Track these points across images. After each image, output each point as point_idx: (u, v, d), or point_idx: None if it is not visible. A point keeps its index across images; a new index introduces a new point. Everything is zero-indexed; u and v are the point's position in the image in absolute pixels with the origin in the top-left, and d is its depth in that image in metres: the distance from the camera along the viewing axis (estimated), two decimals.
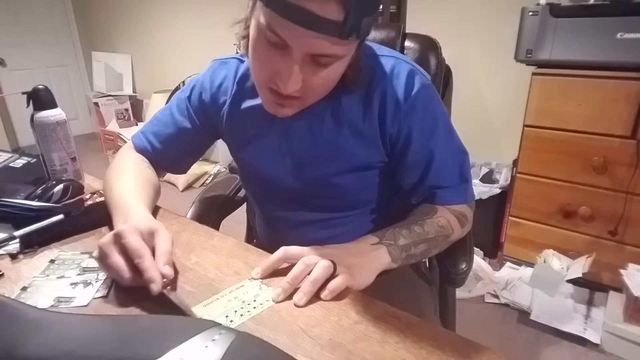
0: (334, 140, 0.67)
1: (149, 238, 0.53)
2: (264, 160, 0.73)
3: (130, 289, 0.51)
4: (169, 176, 2.87)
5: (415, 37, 0.93)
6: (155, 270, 0.48)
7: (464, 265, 0.74)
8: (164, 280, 0.49)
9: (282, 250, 0.55)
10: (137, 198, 0.64)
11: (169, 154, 0.78)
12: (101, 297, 0.51)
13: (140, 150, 0.79)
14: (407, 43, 0.92)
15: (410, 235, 0.62)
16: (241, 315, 0.47)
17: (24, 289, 0.53)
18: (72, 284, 0.54)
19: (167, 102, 0.83)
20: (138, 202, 0.63)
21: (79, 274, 0.56)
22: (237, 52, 0.75)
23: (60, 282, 0.55)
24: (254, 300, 0.50)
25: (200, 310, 0.48)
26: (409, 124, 0.65)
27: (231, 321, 0.46)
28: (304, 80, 0.56)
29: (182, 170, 0.84)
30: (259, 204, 0.85)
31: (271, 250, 0.60)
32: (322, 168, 0.69)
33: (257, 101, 0.68)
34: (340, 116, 0.66)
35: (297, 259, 0.53)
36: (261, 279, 0.54)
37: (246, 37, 0.61)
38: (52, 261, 0.59)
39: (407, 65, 0.65)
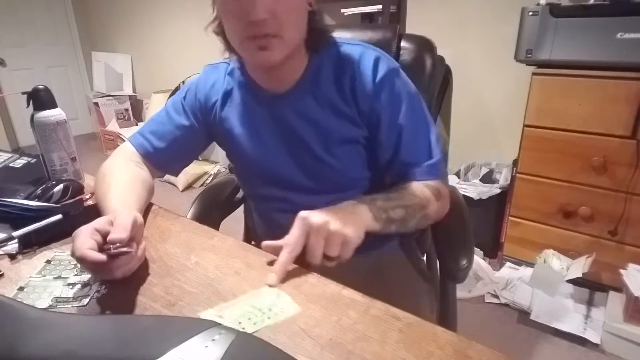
0: (319, 118, 0.72)
1: (109, 227, 0.53)
2: (255, 144, 0.76)
3: (129, 289, 0.51)
4: (169, 176, 2.86)
5: (410, 37, 0.93)
6: (99, 268, 0.50)
7: (464, 262, 0.74)
8: (117, 245, 0.50)
9: (283, 245, 0.56)
10: (119, 199, 0.65)
11: (166, 151, 0.80)
12: (100, 297, 0.51)
13: (139, 150, 0.80)
14: (402, 44, 0.92)
15: (387, 199, 0.65)
16: (254, 323, 0.46)
17: (20, 289, 0.53)
18: (69, 284, 0.54)
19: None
20: (119, 202, 0.63)
21: (76, 275, 0.56)
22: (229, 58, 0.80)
23: (57, 282, 0.55)
24: (270, 310, 0.48)
25: (211, 315, 0.47)
26: (378, 105, 0.70)
27: (243, 328, 0.45)
28: (273, 10, 0.60)
29: (177, 169, 0.86)
30: (254, 195, 0.86)
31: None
32: (310, 145, 0.73)
33: (246, 94, 0.76)
34: (320, 99, 0.71)
35: (297, 244, 0.55)
36: (278, 283, 0.53)
37: (217, 17, 0.70)
38: (48, 261, 0.59)
39: (373, 52, 0.71)
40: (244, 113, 0.77)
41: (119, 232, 0.51)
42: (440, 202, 0.72)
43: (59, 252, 0.62)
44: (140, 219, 0.58)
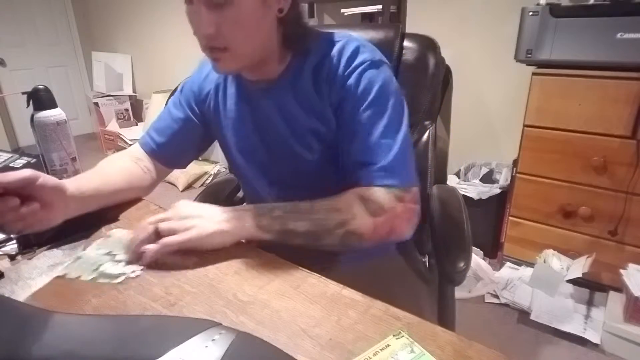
0: (296, 114, 0.71)
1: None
2: (240, 137, 0.78)
3: (129, 288, 0.51)
4: (169, 176, 2.86)
5: (413, 37, 0.93)
6: None
7: (462, 264, 0.74)
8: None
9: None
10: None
11: (168, 146, 0.82)
12: (135, 277, 0.55)
13: (144, 148, 0.82)
14: (405, 43, 0.92)
15: (291, 210, 0.62)
16: None
17: (77, 258, 0.59)
18: (115, 261, 0.59)
19: (166, 104, 0.87)
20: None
21: (124, 254, 0.60)
22: None
23: (106, 258, 0.60)
24: None
25: None
26: (344, 93, 0.66)
27: None
28: (218, 24, 0.60)
29: (183, 163, 0.88)
30: (246, 191, 0.88)
31: (269, 249, 0.61)
32: (287, 140, 0.72)
33: (236, 86, 0.76)
34: (299, 95, 0.70)
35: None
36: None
37: None
38: (107, 236, 0.65)
39: (355, 42, 0.68)
40: (234, 104, 0.77)
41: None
42: (380, 219, 0.62)
43: (120, 228, 0.67)
44: (44, 181, 0.57)
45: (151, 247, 0.56)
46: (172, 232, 0.58)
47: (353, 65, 0.66)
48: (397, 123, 0.66)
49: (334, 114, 0.69)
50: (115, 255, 0.60)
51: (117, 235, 0.65)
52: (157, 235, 0.58)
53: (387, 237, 0.65)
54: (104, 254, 0.60)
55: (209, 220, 0.59)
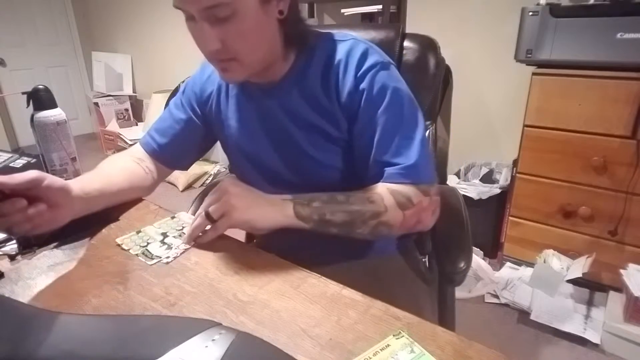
0: (303, 113, 0.70)
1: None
2: (245, 137, 0.77)
3: (129, 288, 0.51)
4: (169, 176, 2.86)
5: (414, 37, 0.93)
6: None
7: (462, 264, 0.74)
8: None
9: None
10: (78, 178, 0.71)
11: (169, 147, 0.82)
12: (164, 263, 0.58)
13: (146, 148, 0.83)
14: (406, 43, 0.92)
15: (329, 201, 0.64)
16: None
17: (138, 232, 0.65)
18: (163, 242, 0.62)
19: (166, 104, 0.87)
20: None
21: (175, 237, 0.64)
22: None
23: (158, 237, 0.63)
24: None
25: None
26: (358, 96, 0.67)
27: None
28: (223, 39, 0.60)
29: (184, 164, 0.88)
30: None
31: (270, 249, 0.61)
32: (297, 141, 0.72)
33: (239, 87, 0.76)
34: (306, 95, 0.70)
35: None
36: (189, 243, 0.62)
37: None
38: (172, 217, 0.70)
39: (363, 45, 0.69)
40: (236, 106, 0.77)
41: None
42: (409, 211, 0.65)
43: (185, 213, 0.72)
44: (50, 182, 0.57)
45: (206, 232, 0.62)
46: (221, 215, 0.60)
47: (364, 69, 0.66)
48: (414, 122, 0.68)
49: (346, 116, 0.69)
50: (167, 237, 0.64)
51: (181, 218, 0.70)
52: (210, 218, 0.61)
53: (414, 227, 0.68)
54: (159, 233, 0.64)
55: (255, 206, 0.62)
